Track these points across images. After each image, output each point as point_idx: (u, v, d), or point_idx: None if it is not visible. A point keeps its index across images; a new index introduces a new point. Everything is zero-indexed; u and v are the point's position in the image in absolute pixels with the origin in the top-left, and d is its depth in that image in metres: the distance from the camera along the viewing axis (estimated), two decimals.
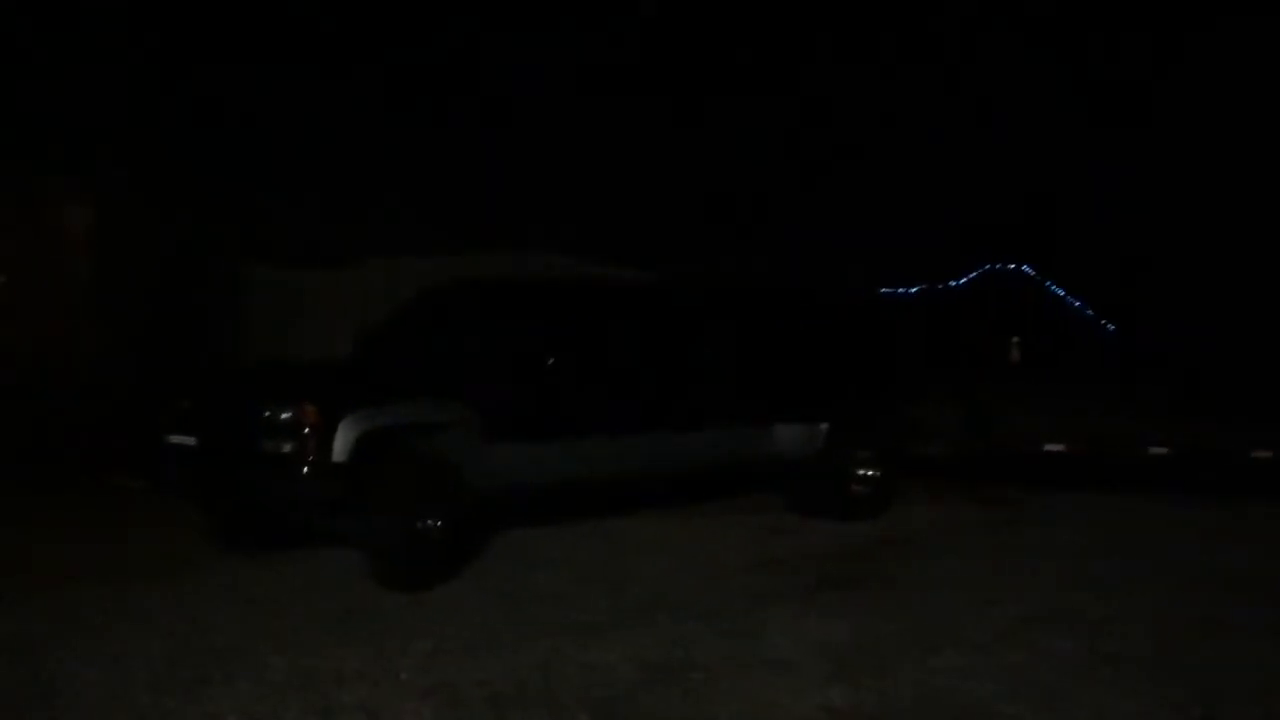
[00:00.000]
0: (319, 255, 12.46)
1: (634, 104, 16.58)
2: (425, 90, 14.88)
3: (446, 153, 14.46)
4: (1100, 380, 9.78)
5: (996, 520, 8.32)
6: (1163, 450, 9.51)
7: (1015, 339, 10.73)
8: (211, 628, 5.10)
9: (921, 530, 7.81)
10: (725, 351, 7.52)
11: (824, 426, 7.83)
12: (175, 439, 5.91)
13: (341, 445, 5.47)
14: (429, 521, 5.81)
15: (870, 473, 8.10)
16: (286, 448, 5.45)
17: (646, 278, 7.68)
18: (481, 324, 6.63)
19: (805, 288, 8.59)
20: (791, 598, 5.76)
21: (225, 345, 12.61)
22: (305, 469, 5.43)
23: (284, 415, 5.46)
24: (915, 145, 18.35)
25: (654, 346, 7.18)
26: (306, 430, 5.44)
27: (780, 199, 17.25)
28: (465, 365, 6.29)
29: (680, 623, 5.23)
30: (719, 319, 7.66)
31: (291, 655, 4.69)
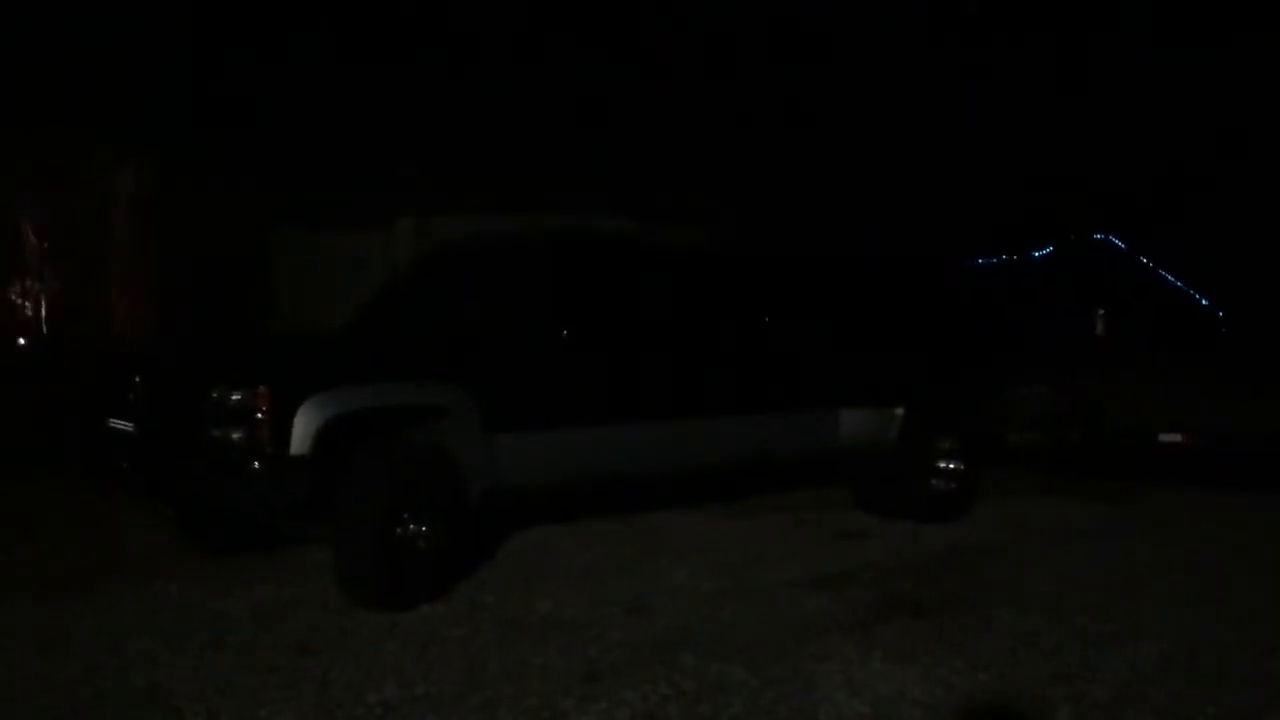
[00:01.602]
0: (350, 216, 11.57)
1: (690, 64, 15.32)
2: (464, 42, 13.86)
3: (492, 109, 13.43)
4: (1191, 361, 8.32)
5: (1103, 524, 7.05)
6: None
7: (1100, 311, 9.32)
8: (134, 660, 4.18)
9: (1014, 535, 6.59)
10: (782, 325, 6.36)
11: (899, 411, 6.64)
12: (115, 424, 4.98)
13: (301, 434, 4.48)
14: (412, 528, 4.81)
15: (953, 465, 6.90)
16: (235, 437, 4.48)
17: (691, 239, 6.49)
18: (484, 290, 5.57)
19: (875, 254, 7.34)
20: (852, 627, 4.64)
21: (252, 313, 11.90)
22: (257, 464, 4.45)
23: (233, 397, 4.49)
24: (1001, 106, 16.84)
25: (697, 318, 6.06)
26: (259, 416, 4.46)
27: (842, 158, 15.88)
28: (464, 339, 5.25)
29: (710, 664, 4.16)
30: (776, 288, 6.50)
31: (216, 700, 3.74)
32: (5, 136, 17.98)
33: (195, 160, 16.99)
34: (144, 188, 19.11)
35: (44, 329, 19.60)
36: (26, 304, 20.01)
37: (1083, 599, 5.13)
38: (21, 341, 19.27)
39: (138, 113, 17.64)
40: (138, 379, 5.00)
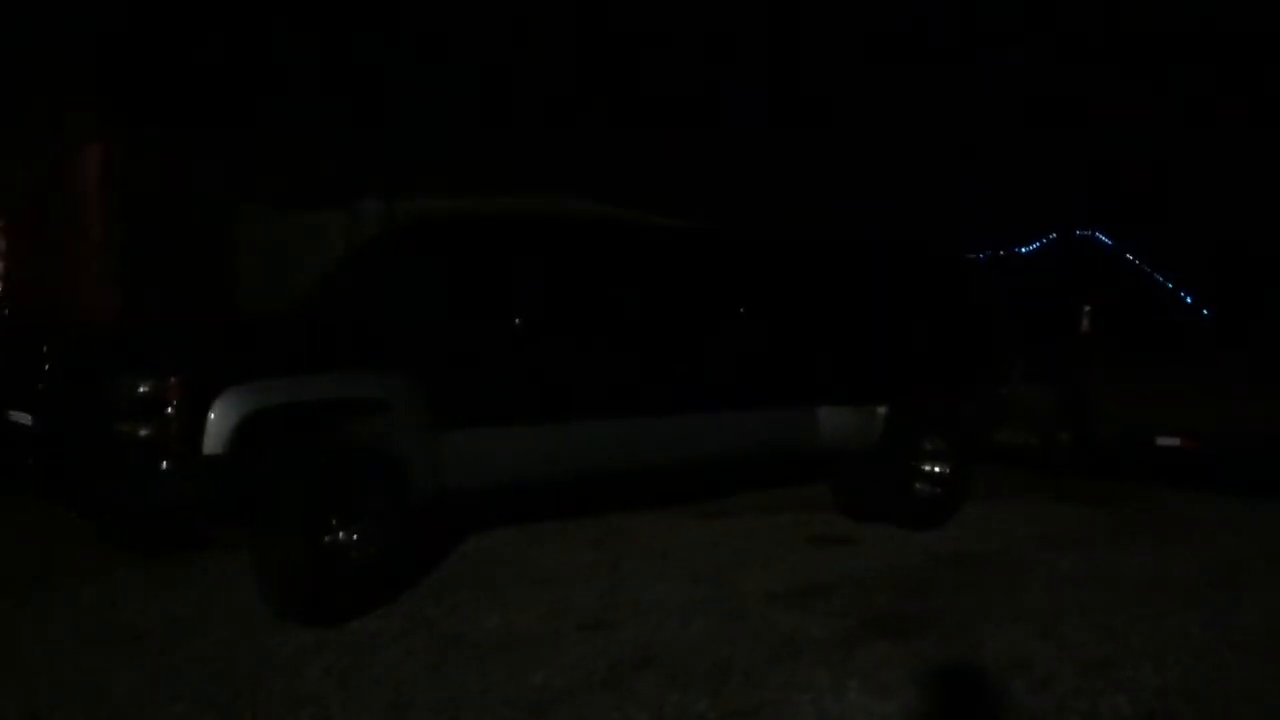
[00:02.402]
0: (316, 195, 11.03)
1: (685, 38, 14.81)
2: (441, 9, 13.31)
3: (464, 82, 12.89)
4: (1187, 361, 7.90)
5: (1100, 531, 6.63)
6: None
7: (1086, 308, 8.93)
8: (18, 680, 3.71)
9: (1004, 543, 6.18)
10: (757, 316, 5.91)
11: (882, 410, 6.20)
12: (15, 416, 4.49)
13: (217, 431, 4.00)
14: (343, 535, 4.34)
15: (940, 468, 6.47)
16: (143, 434, 4.00)
17: (666, 223, 6.03)
18: (433, 272, 5.09)
19: (860, 241, 6.88)
20: (827, 648, 4.21)
21: (213, 294, 11.37)
22: (165, 464, 3.98)
23: (139, 389, 4.00)
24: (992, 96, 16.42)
25: (667, 306, 5.61)
26: (169, 410, 3.98)
27: (827, 147, 15.42)
28: (407, 326, 4.78)
29: (670, 692, 3.72)
30: (750, 275, 6.04)
31: None
32: None
33: (164, 135, 16.41)
34: (112, 163, 18.51)
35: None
36: None
37: (1079, 617, 4.71)
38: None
39: (106, 85, 17.03)
40: (42, 367, 4.51)
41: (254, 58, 14.03)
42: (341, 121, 11.76)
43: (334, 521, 4.31)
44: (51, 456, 4.31)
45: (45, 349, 4.55)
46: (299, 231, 10.88)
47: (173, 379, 3.98)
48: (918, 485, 6.40)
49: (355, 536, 4.38)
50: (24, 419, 4.42)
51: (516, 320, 4.89)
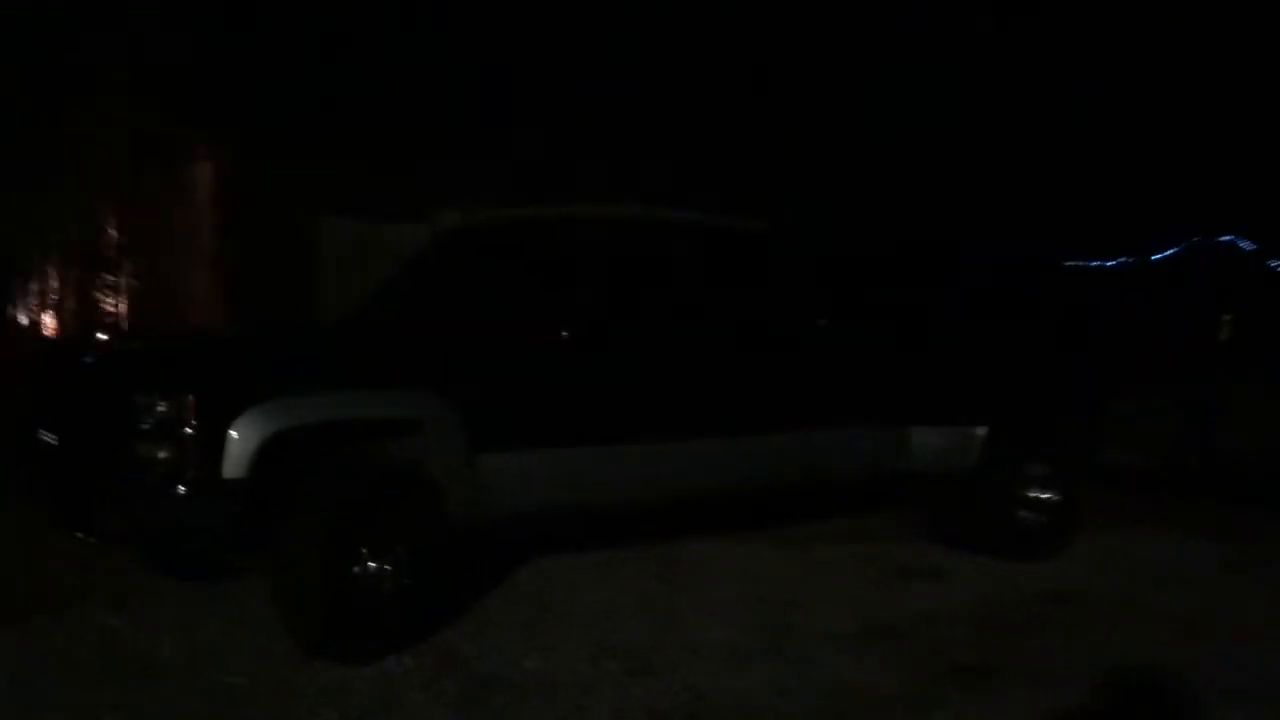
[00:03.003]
0: (399, 207, 10.95)
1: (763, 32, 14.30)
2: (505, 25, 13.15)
3: (537, 92, 12.70)
4: None
5: (1229, 567, 5.92)
6: None
7: (1226, 317, 8.12)
8: (21, 712, 3.51)
9: (1118, 579, 5.54)
10: (842, 327, 5.43)
11: (981, 431, 5.63)
12: (43, 435, 4.33)
13: (237, 453, 3.74)
14: (373, 566, 4.04)
15: (1046, 495, 5.86)
16: (157, 455, 3.77)
17: (731, 224, 5.56)
18: (471, 282, 4.78)
19: (953, 245, 6.33)
20: (901, 705, 3.72)
21: (300, 306, 11.41)
22: (182, 489, 3.74)
23: (157, 407, 3.78)
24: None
25: (737, 315, 5.19)
26: (186, 431, 3.75)
27: (950, 147, 14.66)
28: (446, 340, 4.47)
29: None
30: (836, 281, 5.57)
31: None
32: (83, 128, 18.05)
33: (265, 150, 16.72)
34: (218, 178, 18.99)
35: (123, 324, 19.61)
36: (107, 298, 20.07)
37: (1212, 667, 4.10)
38: (102, 337, 19.27)
39: (213, 103, 17.48)
40: (67, 382, 4.34)
41: (345, 79, 14.23)
42: (423, 135, 11.74)
43: (364, 551, 4.01)
44: (68, 477, 4.11)
45: (76, 365, 4.38)
46: (381, 242, 10.81)
47: (189, 397, 3.74)
48: (1020, 513, 5.80)
49: (387, 567, 4.07)
50: (51, 438, 4.25)
51: (564, 333, 4.53)
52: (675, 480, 4.91)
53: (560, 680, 3.93)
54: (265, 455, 3.79)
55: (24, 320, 19.56)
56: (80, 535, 3.95)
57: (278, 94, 13.97)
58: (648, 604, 4.91)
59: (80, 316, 19.15)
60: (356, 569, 3.98)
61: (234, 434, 3.74)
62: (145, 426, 3.77)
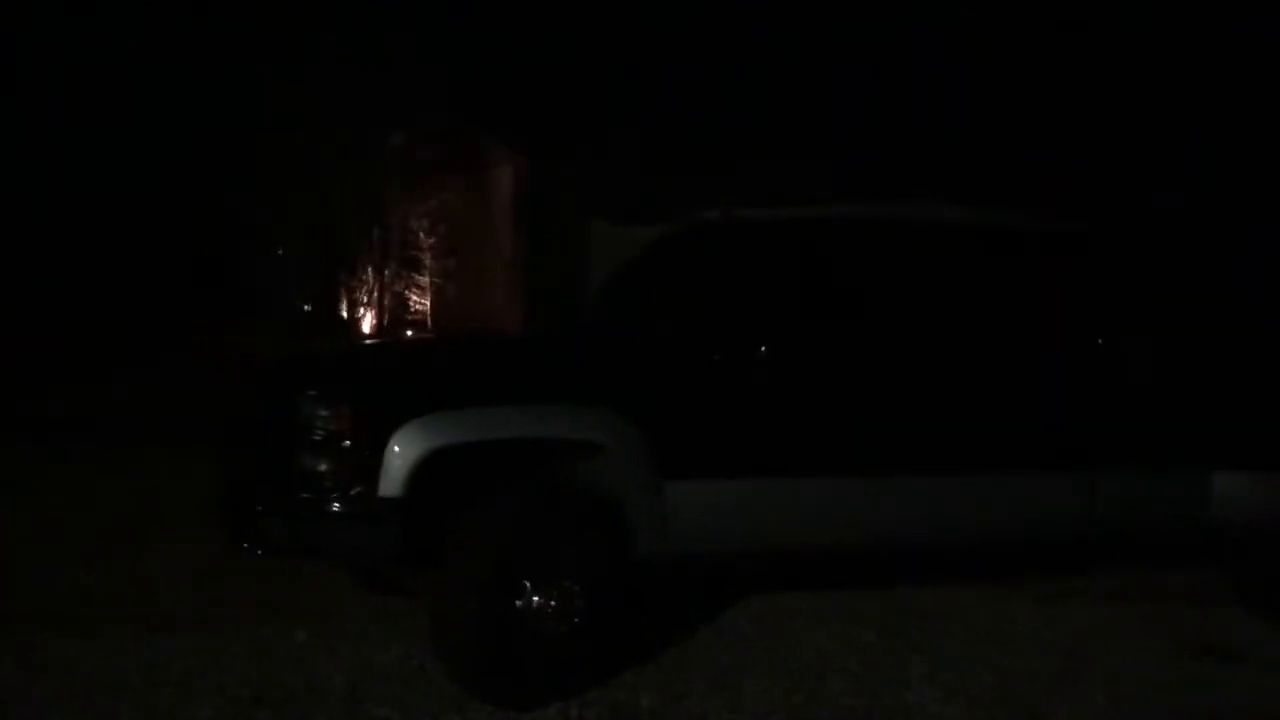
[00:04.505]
0: (659, 208, 10.67)
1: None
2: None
3: (798, 92, 12.09)
4: None
5: None
6: None
7: None
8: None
9: None
10: (1120, 348, 4.47)
11: None
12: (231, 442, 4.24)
13: (395, 469, 3.46)
14: (537, 600, 3.63)
15: None
16: (312, 470, 3.56)
17: (1007, 222, 4.73)
18: (679, 291, 4.27)
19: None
20: None
21: (569, 310, 11.42)
22: (335, 506, 3.50)
23: (315, 418, 3.57)
24: None
25: (996, 328, 4.38)
26: (340, 445, 3.51)
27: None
28: (639, 354, 4.01)
29: None
30: (1113, 291, 4.60)
31: None
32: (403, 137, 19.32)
33: (558, 158, 17.23)
34: (519, 185, 19.74)
35: (430, 323, 20.77)
36: (416, 298, 21.30)
37: None
38: (410, 334, 20.49)
39: (514, 113, 18.26)
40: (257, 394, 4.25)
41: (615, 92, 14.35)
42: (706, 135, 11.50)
43: (527, 584, 3.61)
44: (236, 489, 3.99)
45: (264, 370, 4.31)
46: (637, 244, 10.58)
47: (345, 409, 3.50)
48: None
49: (553, 603, 3.65)
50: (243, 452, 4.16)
51: (760, 349, 3.95)
52: (914, 523, 4.18)
53: None
54: (426, 473, 3.49)
55: (343, 315, 21.30)
56: (245, 546, 3.80)
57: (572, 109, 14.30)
58: (863, 663, 4.21)
59: (390, 313, 20.62)
60: (519, 603, 3.60)
61: (392, 449, 3.47)
62: (304, 437, 3.58)
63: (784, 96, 13.94)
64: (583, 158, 14.38)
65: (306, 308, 20.70)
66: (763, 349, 3.94)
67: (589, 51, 16.08)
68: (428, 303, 21.60)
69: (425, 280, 21.62)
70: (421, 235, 21.11)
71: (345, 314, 21.18)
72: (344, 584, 4.83)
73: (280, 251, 20.24)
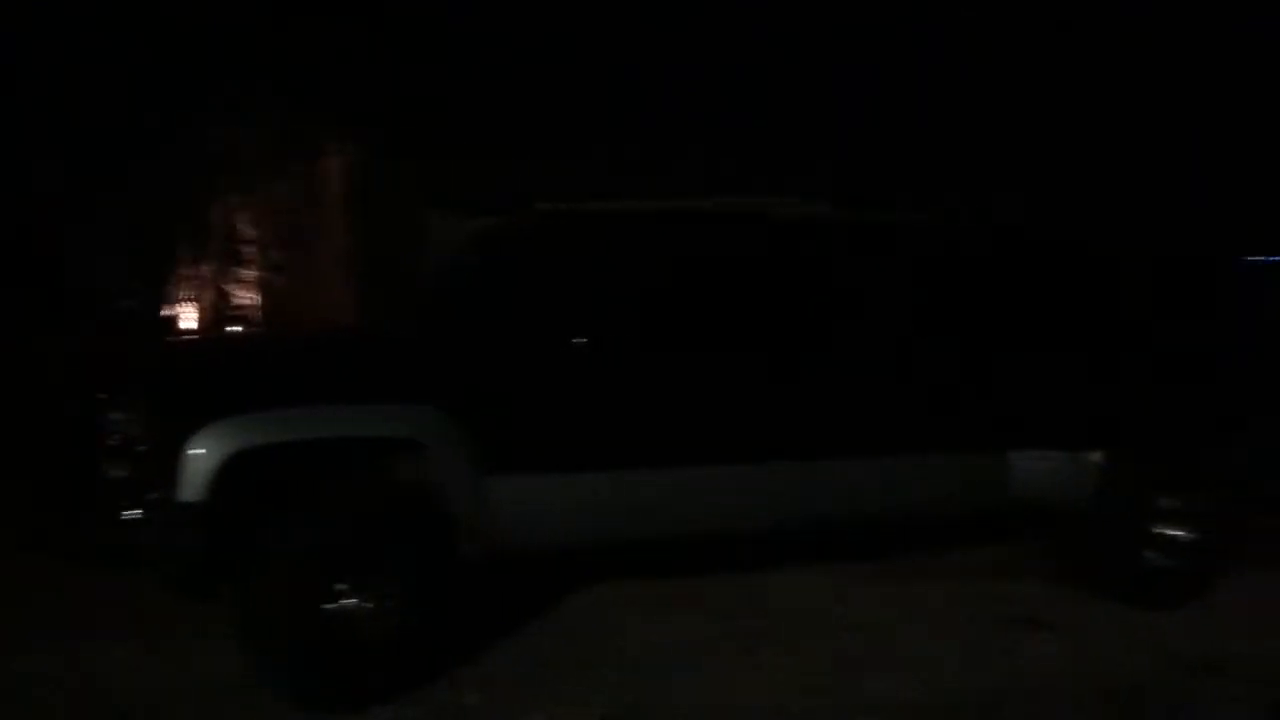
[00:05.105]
0: (500, 199, 10.57)
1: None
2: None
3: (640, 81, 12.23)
4: None
5: None
6: None
7: None
8: None
9: (1265, 638, 4.56)
10: (922, 332, 4.65)
11: (1095, 457, 4.76)
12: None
13: (197, 472, 3.30)
14: (351, 603, 3.53)
15: (1181, 533, 4.94)
16: (121, 473, 3.37)
17: (809, 212, 4.82)
18: (495, 285, 4.23)
19: (1076, 240, 5.42)
20: None
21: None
22: (137, 510, 3.32)
23: (115, 420, 3.38)
24: None
25: (803, 317, 4.46)
26: (137, 448, 3.33)
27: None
28: (456, 349, 3.95)
29: None
30: (914, 277, 4.77)
31: None
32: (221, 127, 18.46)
33: (392, 147, 16.79)
34: (352, 176, 19.17)
35: (257, 320, 19.97)
36: (241, 295, 20.46)
37: None
38: (228, 332, 19.63)
39: (346, 100, 17.66)
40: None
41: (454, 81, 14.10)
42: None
43: (341, 586, 3.51)
44: (40, 495, 3.76)
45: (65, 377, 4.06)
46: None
47: (141, 412, 3.33)
48: (1148, 554, 4.90)
49: (372, 604, 3.56)
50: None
51: (584, 340, 3.95)
52: (733, 511, 4.25)
53: None
54: (231, 476, 3.34)
55: (165, 314, 20.26)
56: (46, 553, 3.57)
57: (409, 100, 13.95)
58: (698, 652, 4.26)
59: (214, 311, 19.72)
60: (332, 606, 3.49)
61: (191, 452, 3.30)
62: (102, 441, 3.38)
63: (625, 83, 13.99)
64: (419, 147, 14.09)
65: (128, 306, 19.68)
66: (580, 341, 3.94)
67: (422, 35, 15.72)
68: (254, 299, 20.80)
69: (251, 275, 20.81)
70: (247, 229, 20.31)
71: (166, 313, 20.21)
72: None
73: (99, 247, 19.16)
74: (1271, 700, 3.85)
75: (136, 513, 3.33)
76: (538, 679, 3.92)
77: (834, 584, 5.21)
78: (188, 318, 20.26)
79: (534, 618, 4.57)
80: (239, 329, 19.57)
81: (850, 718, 3.65)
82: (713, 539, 4.39)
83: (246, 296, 20.81)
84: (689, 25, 14.02)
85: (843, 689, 3.91)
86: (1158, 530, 4.91)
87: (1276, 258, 8.39)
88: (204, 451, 3.30)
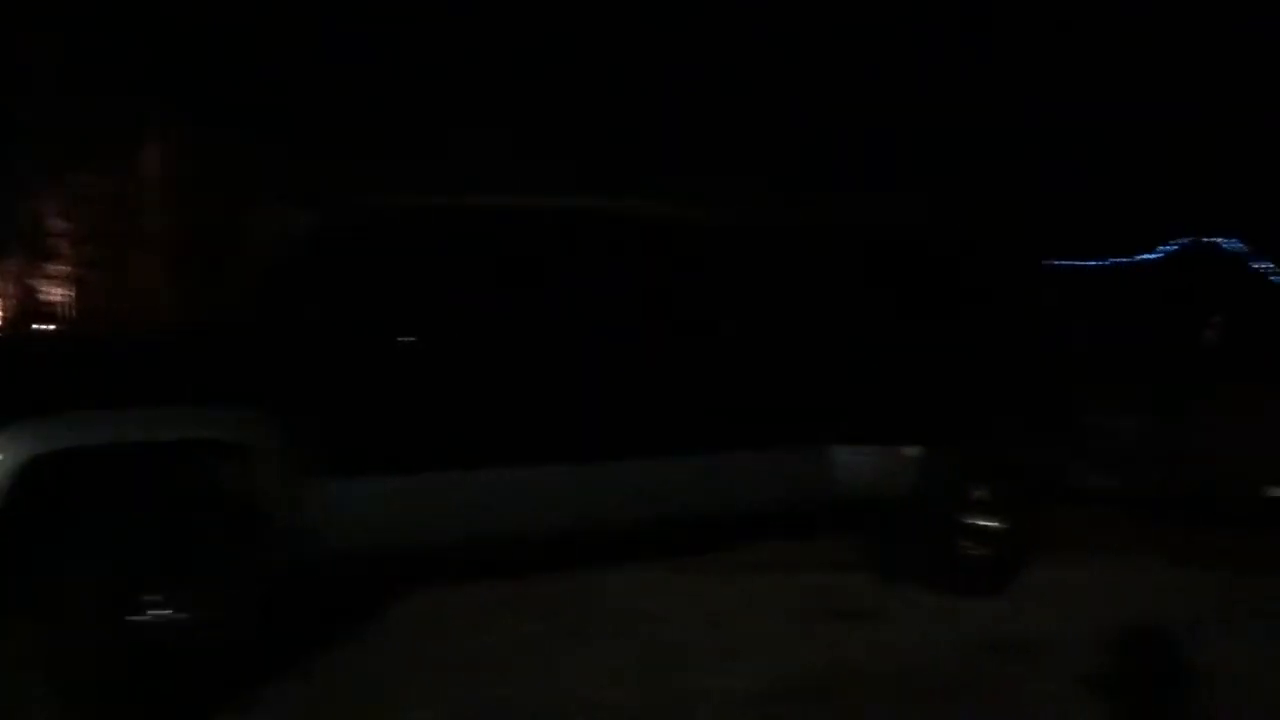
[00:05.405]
0: (337, 190, 10.28)
1: None
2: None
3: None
4: None
5: (1203, 610, 5.15)
6: None
7: (1215, 319, 7.41)
8: None
9: (1071, 623, 4.83)
10: (742, 328, 4.74)
11: (913, 451, 4.97)
12: None
13: None
14: (159, 614, 3.35)
15: (992, 523, 5.20)
16: None
17: (617, 206, 4.81)
18: (319, 283, 4.09)
19: (914, 239, 5.60)
20: None
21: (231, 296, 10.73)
22: None
23: None
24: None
25: (623, 318, 4.46)
26: None
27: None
28: (281, 349, 3.80)
29: None
30: (733, 273, 4.83)
31: None
32: (27, 110, 17.25)
33: (221, 135, 16.12)
34: (177, 165, 18.21)
35: (67, 317, 18.77)
36: (49, 290, 19.22)
37: None
38: (35, 330, 18.47)
39: (165, 87, 16.82)
40: None
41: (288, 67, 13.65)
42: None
43: (147, 597, 3.32)
44: None
45: None
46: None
47: None
48: (962, 543, 5.14)
49: (182, 615, 3.39)
50: None
51: (405, 339, 3.88)
52: (559, 511, 4.23)
53: None
54: (27, 483, 3.13)
55: None
56: None
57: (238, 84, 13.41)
58: (526, 652, 4.23)
59: (20, 307, 18.47)
60: (136, 619, 3.30)
61: None
62: None
63: (480, 80, 13.86)
64: (249, 135, 13.57)
65: None
66: (402, 340, 3.86)
67: (254, 19, 15.14)
68: (64, 294, 19.54)
69: (60, 270, 19.53)
70: (56, 221, 19.04)
71: None
72: None
73: None
74: (1077, 675, 4.09)
75: None
76: (364, 692, 3.80)
77: (670, 580, 5.28)
78: None
79: (358, 627, 4.43)
80: (47, 327, 18.45)
81: (683, 709, 3.69)
82: (532, 539, 4.37)
83: (56, 292, 19.58)
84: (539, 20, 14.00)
85: (680, 673, 3.99)
86: (971, 521, 5.16)
87: (1074, 262, 8.97)
88: (8, 452, 3.08)
